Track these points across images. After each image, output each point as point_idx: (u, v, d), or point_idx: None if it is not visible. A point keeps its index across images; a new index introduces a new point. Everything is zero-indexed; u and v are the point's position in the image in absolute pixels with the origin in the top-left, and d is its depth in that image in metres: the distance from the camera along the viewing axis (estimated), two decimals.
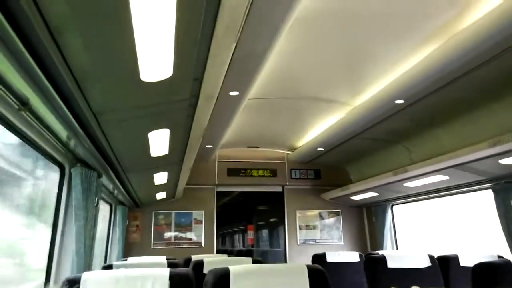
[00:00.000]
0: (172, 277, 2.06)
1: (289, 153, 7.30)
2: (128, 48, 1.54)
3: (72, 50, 1.51)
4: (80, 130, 2.27)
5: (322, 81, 4.17)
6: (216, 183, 7.17)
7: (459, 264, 3.79)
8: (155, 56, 1.67)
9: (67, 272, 2.98)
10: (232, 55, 2.98)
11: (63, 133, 2.46)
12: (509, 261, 2.48)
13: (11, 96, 1.81)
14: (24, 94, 1.83)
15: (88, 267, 3.08)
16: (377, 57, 3.56)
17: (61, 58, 1.55)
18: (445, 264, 3.79)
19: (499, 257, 3.65)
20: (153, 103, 2.15)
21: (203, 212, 7.05)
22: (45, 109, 1.97)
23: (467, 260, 3.69)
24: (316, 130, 5.78)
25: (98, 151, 2.75)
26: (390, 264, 3.56)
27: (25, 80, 1.65)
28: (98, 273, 2.06)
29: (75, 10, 1.30)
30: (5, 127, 2.14)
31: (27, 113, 1.97)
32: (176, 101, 2.23)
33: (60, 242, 3.04)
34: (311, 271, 2.22)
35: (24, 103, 1.89)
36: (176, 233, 6.90)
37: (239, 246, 8.20)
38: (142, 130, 2.59)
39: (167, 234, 6.88)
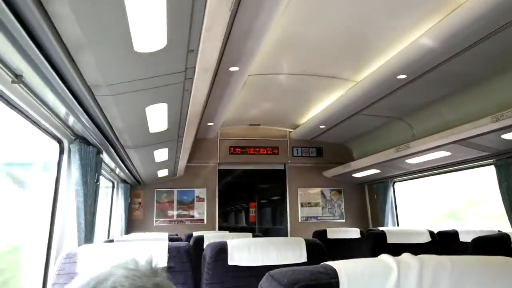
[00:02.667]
0: (170, 250, 2.07)
1: (290, 131, 7.27)
2: (119, 17, 1.51)
3: (62, 20, 1.48)
4: (77, 104, 2.25)
5: (324, 57, 4.10)
6: (218, 161, 7.18)
7: (459, 239, 3.81)
8: (148, 26, 1.63)
9: (67, 246, 3.01)
10: (231, 29, 2.95)
11: (60, 108, 2.44)
12: (507, 234, 2.47)
13: (4, 68, 1.78)
14: (18, 67, 1.81)
15: (88, 241, 3.12)
16: (380, 32, 3.49)
17: (52, 28, 1.52)
18: (444, 240, 3.82)
19: (499, 232, 3.66)
20: (148, 75, 2.13)
21: (205, 189, 7.09)
22: (40, 82, 1.95)
23: (467, 236, 3.71)
24: (318, 107, 5.73)
25: (96, 126, 2.74)
26: (390, 239, 3.58)
27: (18, 52, 1.63)
28: (97, 246, 2.08)
29: None
30: (1, 100, 2.13)
31: (21, 86, 1.95)
32: (172, 73, 2.20)
33: (61, 217, 3.06)
34: (308, 244, 2.23)
35: (17, 76, 1.87)
36: (179, 211, 6.96)
37: (241, 223, 8.27)
38: (139, 104, 2.57)
39: (170, 212, 6.94)
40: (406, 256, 0.94)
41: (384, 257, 0.95)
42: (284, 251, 2.18)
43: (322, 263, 0.96)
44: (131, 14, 1.50)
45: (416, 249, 3.49)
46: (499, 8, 2.59)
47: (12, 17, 1.36)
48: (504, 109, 3.32)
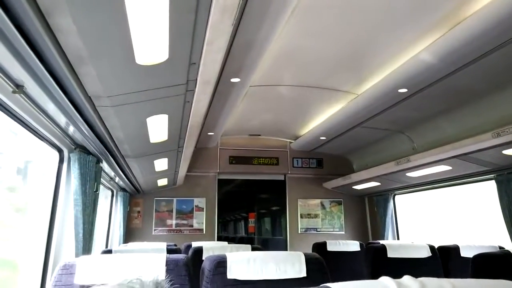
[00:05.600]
0: (168, 263, 2.05)
1: (291, 142, 7.27)
2: (121, 30, 1.51)
3: (63, 32, 1.48)
4: (77, 115, 2.25)
5: (326, 70, 4.11)
6: (218, 170, 7.16)
7: (460, 254, 3.78)
8: (150, 39, 1.63)
9: (65, 256, 2.99)
10: (233, 41, 2.96)
11: (60, 117, 2.44)
12: (509, 252, 2.45)
13: (5, 79, 1.78)
14: (19, 77, 1.81)
15: (87, 251, 3.09)
16: (381, 45, 3.50)
17: (54, 41, 1.52)
18: (445, 255, 3.78)
19: (500, 248, 3.63)
20: (149, 87, 2.12)
21: (205, 199, 7.06)
22: (41, 92, 1.95)
23: (468, 251, 3.67)
24: (319, 119, 5.73)
25: (97, 136, 2.74)
26: (390, 254, 3.55)
27: (19, 63, 1.63)
28: (94, 257, 2.05)
29: None
30: (1, 110, 2.13)
31: (22, 96, 1.95)
32: (173, 85, 2.20)
33: (59, 227, 3.04)
34: (308, 258, 2.20)
35: (18, 86, 1.87)
36: (178, 220, 6.93)
37: (240, 233, 8.23)
38: (140, 115, 2.56)
39: (169, 221, 6.91)
40: (407, 279, 0.92)
41: (385, 280, 0.93)
42: (284, 266, 2.15)
43: (321, 285, 0.94)
44: (133, 27, 1.51)
45: (416, 264, 3.46)
46: (500, 25, 2.60)
47: (14, 29, 1.36)
48: (505, 124, 3.31)
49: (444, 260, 3.72)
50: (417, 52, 3.33)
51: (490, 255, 2.50)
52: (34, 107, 2.17)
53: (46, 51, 1.55)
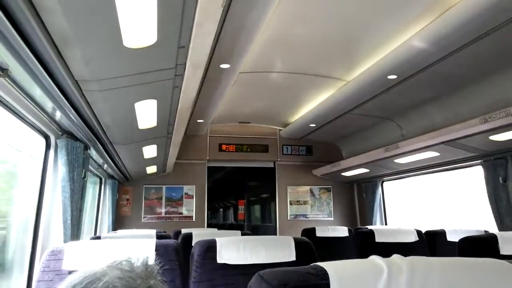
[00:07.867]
0: (158, 248, 2.04)
1: (281, 129, 7.28)
2: (108, 11, 1.48)
3: (48, 13, 1.44)
4: (64, 100, 2.21)
5: (316, 56, 4.10)
6: (208, 158, 7.15)
7: (446, 239, 3.84)
8: (138, 21, 1.60)
9: (53, 242, 2.97)
10: (222, 25, 2.93)
11: (47, 102, 2.40)
12: (494, 235, 2.49)
13: None
14: (3, 60, 1.77)
15: (75, 238, 3.07)
16: (371, 32, 3.49)
17: (39, 21, 1.48)
18: (432, 239, 3.84)
19: (486, 232, 3.69)
20: (138, 71, 2.09)
21: (194, 187, 7.06)
22: (26, 76, 1.91)
23: (454, 235, 3.73)
24: (308, 106, 5.73)
25: (84, 122, 2.70)
26: (378, 238, 3.60)
27: (4, 45, 1.58)
28: (83, 243, 2.04)
29: None
30: None
31: (7, 79, 1.91)
32: (162, 69, 2.17)
33: (47, 213, 3.01)
34: (297, 243, 2.22)
35: (3, 69, 1.83)
36: (167, 208, 6.93)
37: (230, 221, 8.26)
38: (128, 100, 2.53)
39: (158, 209, 6.90)
40: (396, 258, 0.93)
41: (374, 258, 0.94)
42: (273, 250, 2.17)
43: (312, 264, 0.94)
44: (120, 8, 1.47)
45: (404, 248, 3.51)
46: (490, 10, 2.60)
47: None
48: (493, 110, 3.34)
49: (431, 244, 3.78)
50: (407, 38, 3.33)
51: (476, 238, 2.54)
52: (20, 91, 2.13)
53: (31, 32, 1.51)
